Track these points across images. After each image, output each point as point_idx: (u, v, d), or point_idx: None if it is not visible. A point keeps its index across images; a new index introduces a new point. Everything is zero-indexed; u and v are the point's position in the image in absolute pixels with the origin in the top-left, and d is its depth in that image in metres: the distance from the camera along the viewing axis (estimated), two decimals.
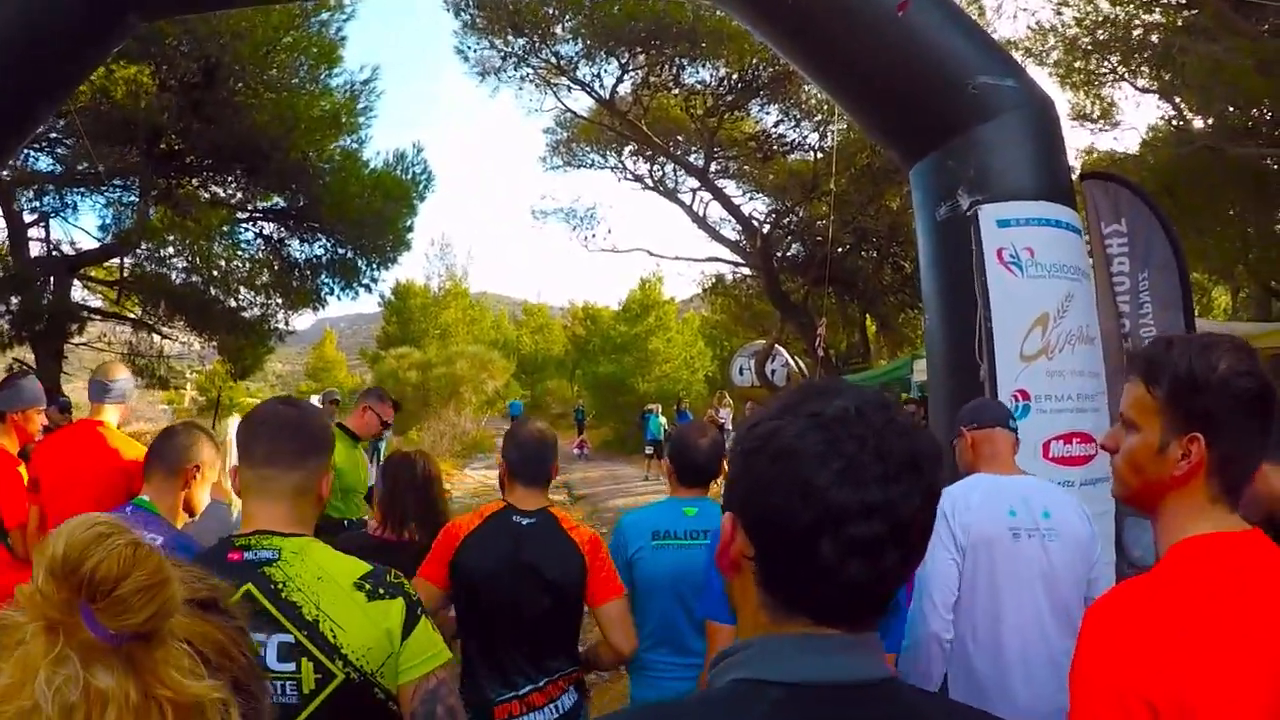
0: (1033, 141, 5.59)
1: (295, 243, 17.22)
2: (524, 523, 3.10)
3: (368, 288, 17.46)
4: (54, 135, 14.31)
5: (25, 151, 14.22)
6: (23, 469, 4.25)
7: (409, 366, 33.05)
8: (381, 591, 1.86)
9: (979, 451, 3.21)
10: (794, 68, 8.12)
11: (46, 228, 15.76)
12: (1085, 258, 5.66)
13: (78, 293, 16.43)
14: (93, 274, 16.69)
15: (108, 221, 15.61)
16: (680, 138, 20.11)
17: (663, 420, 21.51)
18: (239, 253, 16.49)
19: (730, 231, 21.98)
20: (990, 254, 5.34)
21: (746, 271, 23.54)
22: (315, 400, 16.36)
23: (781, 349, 23.79)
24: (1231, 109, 14.41)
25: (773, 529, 0.96)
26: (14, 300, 13.51)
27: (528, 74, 19.33)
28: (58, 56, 5.69)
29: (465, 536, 3.07)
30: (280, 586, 1.80)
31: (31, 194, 15.05)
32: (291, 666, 1.76)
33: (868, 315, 21.96)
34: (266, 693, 1.04)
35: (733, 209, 20.73)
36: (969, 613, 2.91)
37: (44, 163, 15.04)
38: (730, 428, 19.96)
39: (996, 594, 2.90)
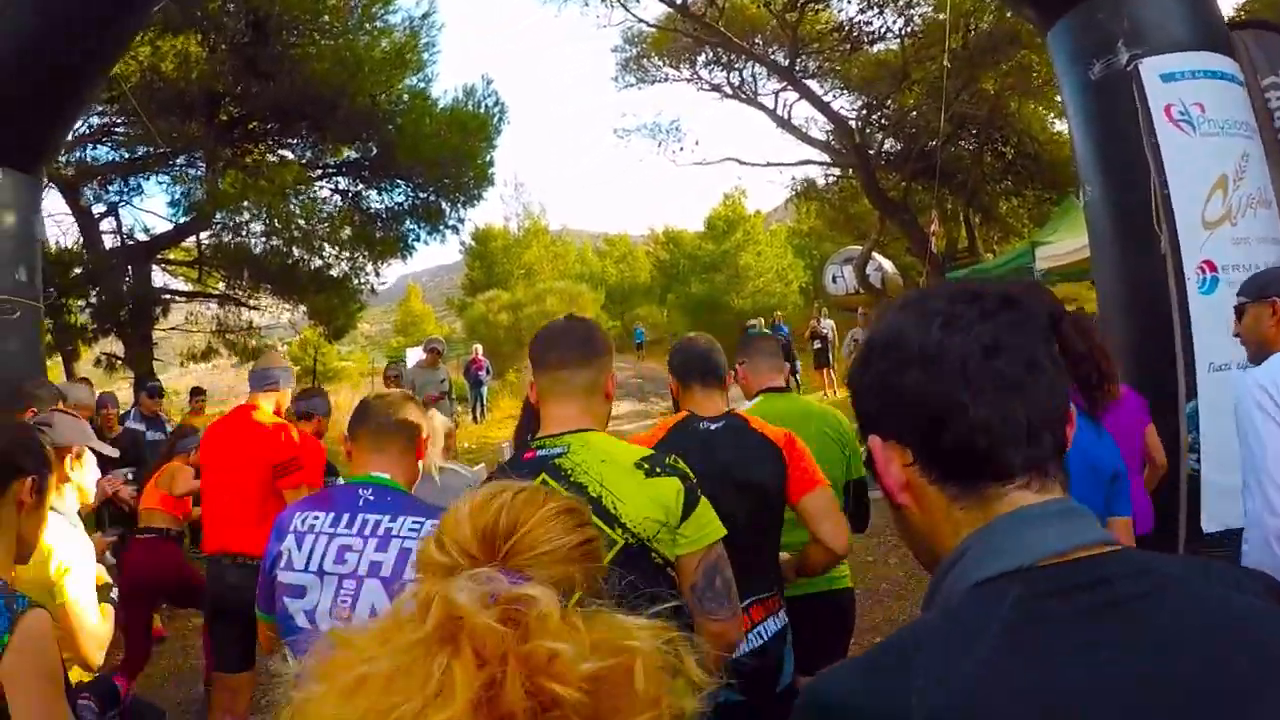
0: None
1: (374, 194, 16.84)
2: (712, 427, 3.00)
3: (454, 229, 17.03)
4: (110, 121, 14.16)
5: (85, 145, 14.21)
6: None
7: (499, 309, 33.17)
8: (659, 470, 2.10)
9: None
10: None
11: (117, 218, 15.68)
12: (1252, 113, 5.06)
13: (158, 278, 16.41)
14: (171, 257, 16.67)
15: (177, 197, 15.44)
16: (759, 39, 19.19)
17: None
18: (317, 211, 16.05)
19: (818, 132, 21.11)
20: (1158, 112, 4.88)
21: (838, 173, 22.62)
22: (415, 352, 16.32)
23: (875, 253, 22.99)
24: None
25: (911, 413, 0.98)
26: (93, 292, 13.48)
27: None
28: (95, 21, 5.58)
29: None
30: (569, 472, 2.06)
31: (96, 185, 14.91)
32: None
33: (970, 207, 20.85)
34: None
35: (822, 106, 19.73)
36: None
37: (103, 152, 14.87)
38: (834, 339, 19.34)
39: None
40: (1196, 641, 0.82)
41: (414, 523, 2.23)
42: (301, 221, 15.14)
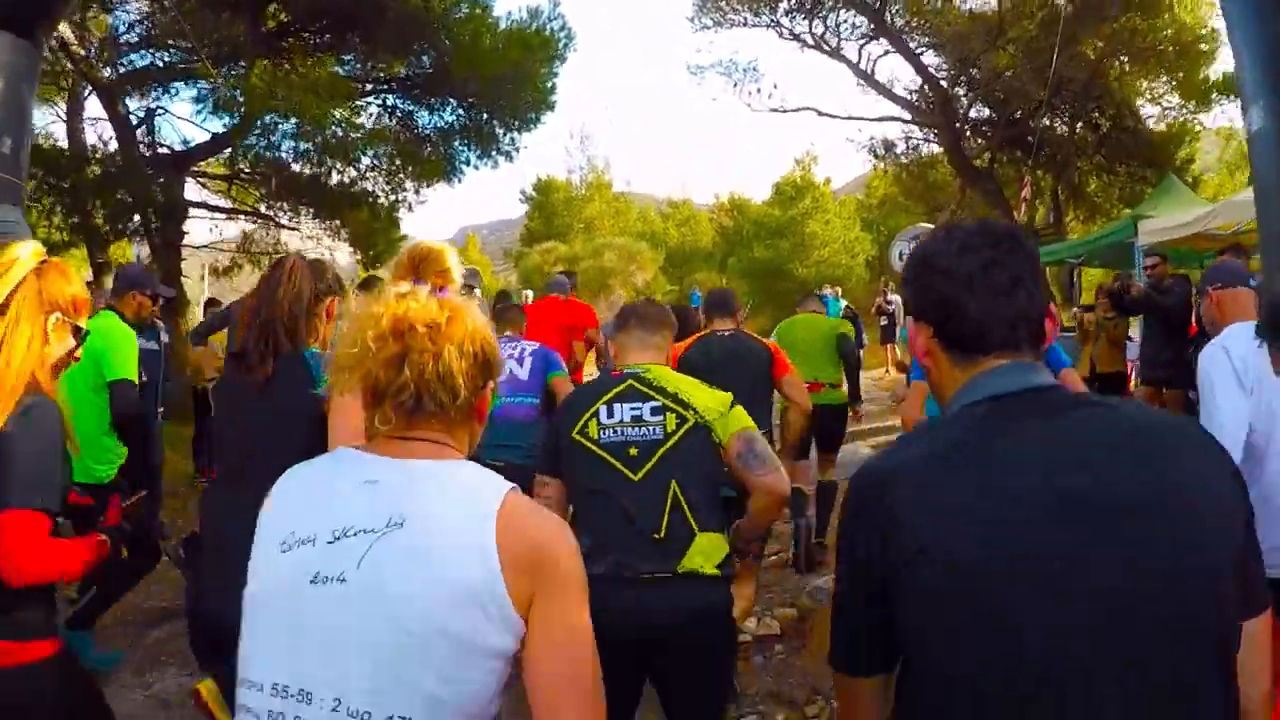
0: None
1: (424, 113, 15.94)
2: (725, 334, 5.11)
3: (508, 155, 15.95)
4: (149, 28, 13.68)
5: (124, 51, 13.70)
6: None
7: (555, 261, 32.56)
8: (714, 387, 2.99)
9: (1224, 311, 3.39)
10: None
11: (152, 128, 15.05)
12: None
13: (192, 193, 15.89)
14: (207, 170, 16.14)
15: (204, 93, 14.53)
16: None
17: (843, 304, 19.70)
18: (354, 121, 15.01)
19: (902, 91, 19.98)
20: None
21: (919, 135, 21.46)
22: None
23: None
24: None
25: (934, 305, 1.47)
26: (119, 196, 12.90)
27: None
28: None
29: (684, 352, 4.73)
30: (652, 379, 2.94)
31: (133, 92, 14.37)
32: (660, 418, 2.84)
33: (1060, 181, 19.54)
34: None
35: (911, 57, 18.53)
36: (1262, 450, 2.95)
37: (138, 57, 14.32)
38: (900, 315, 18.49)
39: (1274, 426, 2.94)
40: (1104, 429, 1.33)
41: (534, 346, 5.16)
42: (337, 129, 14.03)
